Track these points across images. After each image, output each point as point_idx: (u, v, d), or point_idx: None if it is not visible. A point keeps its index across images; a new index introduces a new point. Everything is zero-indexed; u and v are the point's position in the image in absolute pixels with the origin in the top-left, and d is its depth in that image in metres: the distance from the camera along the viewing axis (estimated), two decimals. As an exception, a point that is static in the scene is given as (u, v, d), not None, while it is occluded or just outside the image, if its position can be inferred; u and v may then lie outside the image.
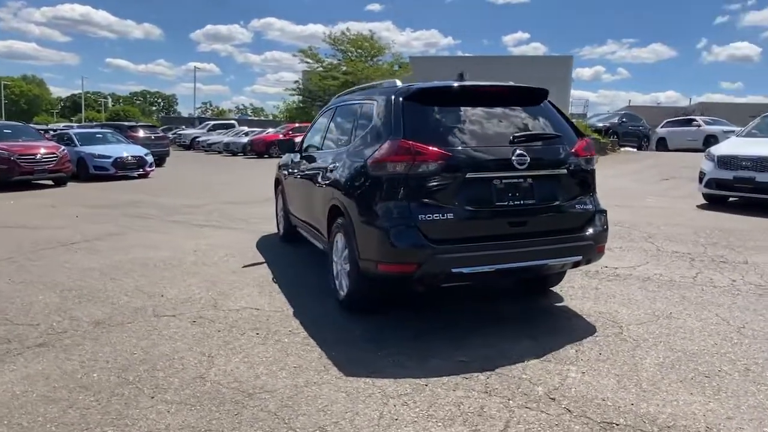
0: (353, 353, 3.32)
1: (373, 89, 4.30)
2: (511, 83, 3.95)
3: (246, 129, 33.35)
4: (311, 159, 5.14)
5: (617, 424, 2.52)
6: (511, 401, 2.74)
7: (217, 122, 39.30)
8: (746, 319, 3.90)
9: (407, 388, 2.88)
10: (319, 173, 4.67)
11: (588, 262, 3.84)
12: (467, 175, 3.41)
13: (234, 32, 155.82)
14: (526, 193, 3.53)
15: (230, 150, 28.46)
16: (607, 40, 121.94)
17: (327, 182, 4.33)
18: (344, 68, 33.73)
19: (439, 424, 2.53)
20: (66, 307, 4.22)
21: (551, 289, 4.54)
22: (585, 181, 3.81)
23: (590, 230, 3.73)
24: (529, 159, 3.50)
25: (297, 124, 28.97)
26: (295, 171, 5.79)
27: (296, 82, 35.51)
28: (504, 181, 3.49)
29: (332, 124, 4.97)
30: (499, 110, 3.70)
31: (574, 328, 3.77)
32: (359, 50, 34.26)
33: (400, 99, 3.64)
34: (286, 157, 6.50)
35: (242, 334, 3.65)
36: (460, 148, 3.45)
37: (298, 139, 24.66)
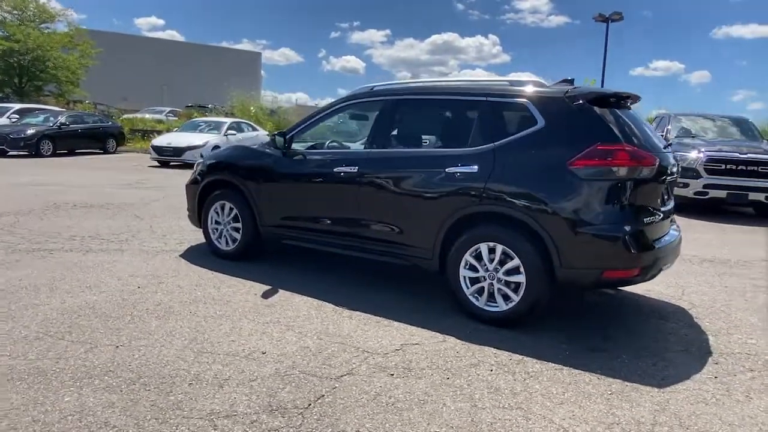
0: (607, 372, 3.17)
1: (505, 88, 3.87)
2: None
3: None
4: (363, 160, 4.30)
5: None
6: (753, 376, 3.20)
7: None
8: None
9: (699, 392, 3.00)
10: (412, 177, 4.04)
11: None
12: (667, 179, 3.69)
13: None
14: (667, 193, 4.02)
15: None
16: (243, 39, 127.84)
17: (449, 188, 3.84)
18: (4, 33, 25.93)
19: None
20: (173, 403, 2.60)
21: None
22: None
23: None
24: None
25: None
26: (297, 173, 4.75)
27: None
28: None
29: (403, 123, 4.32)
30: (634, 116, 3.95)
31: (663, 307, 4.48)
32: (17, 11, 26.82)
33: (583, 102, 3.57)
34: (242, 153, 5.19)
35: (486, 377, 3.04)
36: (658, 153, 3.67)
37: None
